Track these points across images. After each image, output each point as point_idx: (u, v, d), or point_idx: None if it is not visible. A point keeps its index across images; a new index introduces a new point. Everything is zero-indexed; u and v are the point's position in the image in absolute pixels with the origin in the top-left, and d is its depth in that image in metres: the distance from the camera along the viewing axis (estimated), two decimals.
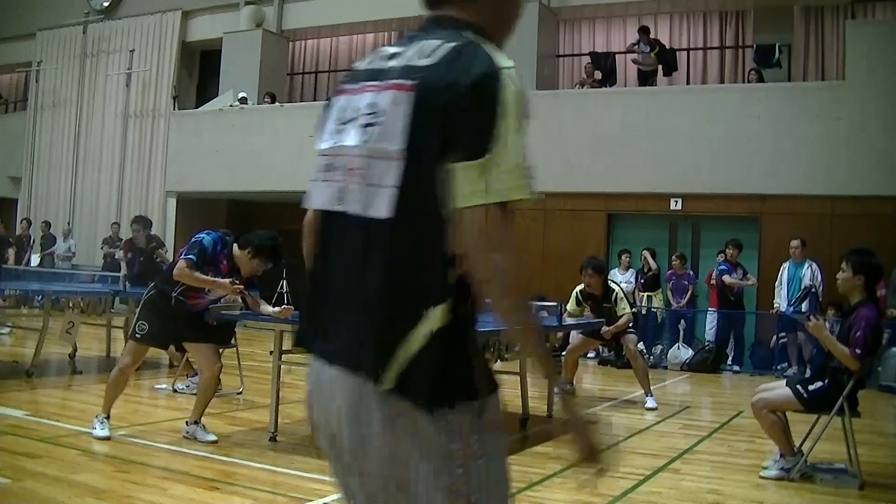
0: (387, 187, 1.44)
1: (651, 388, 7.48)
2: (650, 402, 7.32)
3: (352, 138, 1.52)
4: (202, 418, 5.15)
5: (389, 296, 1.44)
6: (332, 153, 1.57)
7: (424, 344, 1.40)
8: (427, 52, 1.48)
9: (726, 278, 10.86)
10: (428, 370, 1.40)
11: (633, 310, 8.08)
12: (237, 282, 4.99)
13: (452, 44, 1.47)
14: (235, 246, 5.11)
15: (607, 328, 7.44)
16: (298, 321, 1.72)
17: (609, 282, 7.85)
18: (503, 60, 1.47)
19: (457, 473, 1.44)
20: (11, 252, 15.14)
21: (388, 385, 1.40)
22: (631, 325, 7.63)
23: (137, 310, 5.19)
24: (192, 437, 5.08)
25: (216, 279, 4.98)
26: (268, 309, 5.30)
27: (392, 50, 1.57)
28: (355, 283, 1.48)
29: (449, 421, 1.42)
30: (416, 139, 1.42)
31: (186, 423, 5.16)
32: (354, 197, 1.50)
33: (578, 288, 7.72)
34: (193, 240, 5.10)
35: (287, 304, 5.46)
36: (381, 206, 1.44)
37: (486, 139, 1.38)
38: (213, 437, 5.05)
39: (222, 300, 6.92)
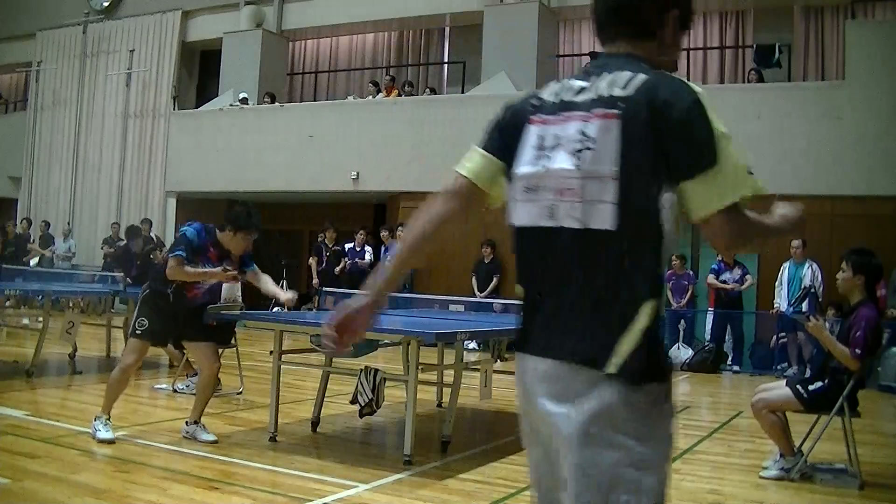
0: (607, 203, 1.65)
1: None
2: None
3: (561, 162, 1.72)
4: (202, 418, 5.14)
5: (615, 296, 1.66)
6: (537, 176, 1.76)
7: (641, 335, 1.63)
8: (622, 83, 1.69)
9: (710, 279, 11.01)
10: (643, 357, 1.63)
11: None
12: (229, 268, 4.98)
13: (643, 76, 1.68)
14: (217, 231, 5.07)
15: None
16: (520, 324, 1.87)
17: None
18: (695, 86, 1.68)
19: (665, 443, 1.68)
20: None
21: (612, 370, 1.63)
22: None
23: (136, 307, 5.18)
24: (191, 436, 5.07)
25: (207, 269, 4.96)
26: (270, 286, 5.22)
27: (578, 84, 1.78)
28: (576, 287, 1.70)
29: (655, 397, 1.66)
30: (628, 160, 1.64)
31: (186, 422, 5.15)
32: (569, 213, 1.70)
33: None
34: (177, 236, 5.13)
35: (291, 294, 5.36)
36: (604, 220, 1.65)
37: (708, 154, 1.60)
38: (212, 437, 5.04)
39: (222, 296, 6.94)
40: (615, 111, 1.66)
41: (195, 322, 5.13)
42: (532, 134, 1.80)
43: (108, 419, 4.94)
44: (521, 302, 1.88)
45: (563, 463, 1.70)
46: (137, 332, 5.01)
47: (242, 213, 5.08)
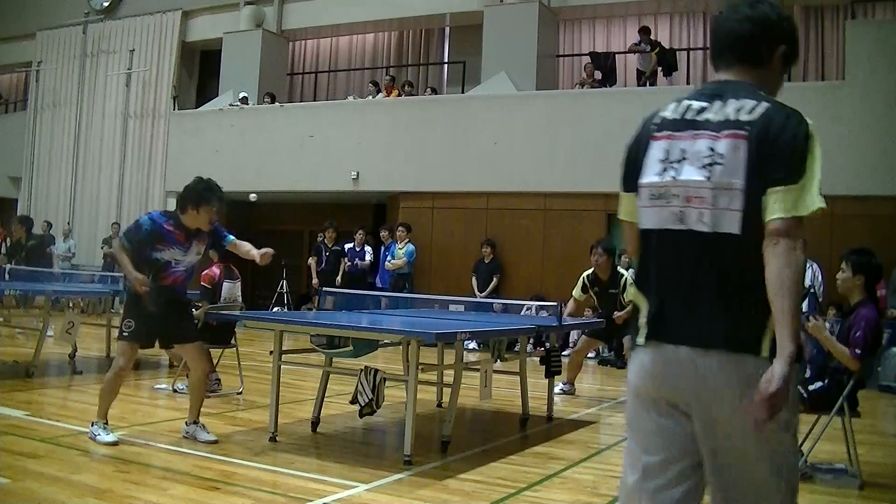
0: (735, 211, 1.94)
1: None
2: None
3: (691, 174, 2.00)
4: (200, 417, 5.14)
5: (746, 291, 1.92)
6: (664, 185, 2.04)
7: (772, 322, 1.89)
8: (748, 109, 2.00)
9: None
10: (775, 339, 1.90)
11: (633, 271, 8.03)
12: (144, 281, 4.84)
13: (766, 104, 2.00)
14: (179, 213, 5.00)
15: (619, 313, 7.48)
16: (653, 314, 2.07)
17: (618, 267, 7.92)
18: (805, 117, 1.99)
19: (795, 406, 1.97)
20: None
21: (765, 354, 1.90)
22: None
23: (122, 309, 5.10)
24: (191, 437, 5.06)
25: (130, 269, 4.88)
26: (248, 249, 5.16)
27: (698, 105, 2.08)
28: (708, 283, 1.96)
29: (795, 377, 1.90)
30: (750, 174, 1.94)
31: (186, 423, 5.14)
32: (698, 218, 1.98)
33: (587, 272, 7.79)
34: (133, 223, 5.12)
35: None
36: (733, 225, 1.94)
37: (800, 172, 1.93)
38: (213, 438, 5.04)
39: (222, 296, 6.93)
40: (743, 132, 1.96)
41: (182, 322, 5.09)
42: (657, 148, 2.09)
43: (106, 423, 4.89)
44: (644, 299, 2.10)
45: (721, 432, 1.95)
46: (125, 333, 4.92)
47: (199, 187, 5.00)
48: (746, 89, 2.05)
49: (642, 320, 2.08)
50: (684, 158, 2.02)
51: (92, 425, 4.88)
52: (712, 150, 1.98)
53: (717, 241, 1.95)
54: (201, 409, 5.18)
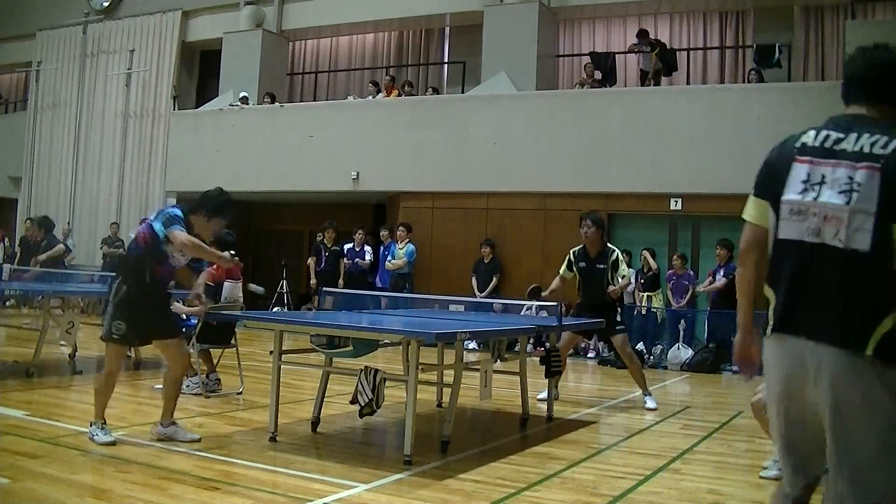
0: (867, 231, 2.30)
1: (649, 387, 7.43)
2: (650, 403, 7.24)
3: (830, 197, 2.37)
4: (173, 416, 5.02)
5: (872, 298, 2.30)
6: (805, 204, 2.41)
7: (890, 328, 2.27)
8: (882, 144, 2.35)
9: (702, 287, 11.23)
10: (892, 343, 2.27)
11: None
12: (235, 255, 5.01)
13: None
14: (189, 213, 4.98)
15: (613, 287, 7.24)
16: (780, 310, 2.45)
17: (609, 244, 7.63)
18: None
19: None
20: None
21: (869, 352, 2.27)
22: (620, 320, 7.45)
23: (110, 310, 4.86)
24: (169, 438, 4.91)
25: (216, 251, 5.03)
26: (201, 281, 5.23)
27: (834, 135, 2.45)
28: (836, 289, 2.34)
29: None
30: (883, 201, 2.30)
31: (161, 424, 4.99)
32: (834, 235, 2.35)
33: (574, 248, 7.51)
34: (167, 213, 4.91)
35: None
36: (864, 243, 2.31)
37: None
38: (195, 436, 4.96)
39: (223, 296, 6.93)
40: (878, 165, 2.32)
41: (163, 318, 5.02)
42: (800, 170, 2.45)
43: (104, 423, 4.85)
44: (773, 295, 2.49)
45: (845, 415, 2.30)
46: (115, 336, 4.82)
47: (222, 198, 5.01)
48: (878, 125, 2.42)
49: (771, 314, 2.49)
50: (824, 182, 2.39)
51: (90, 426, 4.87)
52: (851, 178, 2.35)
53: (848, 256, 2.32)
54: (175, 409, 5.08)
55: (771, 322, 2.48)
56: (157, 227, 4.86)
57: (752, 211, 2.60)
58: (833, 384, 2.30)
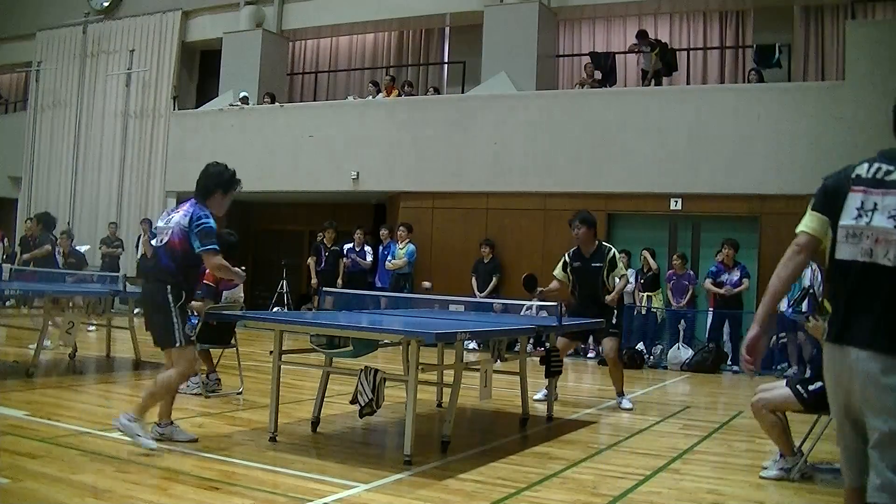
0: None
1: (625, 391, 7.45)
2: (625, 403, 7.29)
3: (881, 221, 2.69)
4: (166, 416, 4.99)
5: None
6: (859, 228, 2.72)
7: None
8: None
9: (707, 283, 11.15)
10: None
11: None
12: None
13: None
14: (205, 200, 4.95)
15: (610, 296, 7.21)
16: (837, 321, 2.79)
17: (605, 243, 7.57)
18: None
19: None
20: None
21: None
22: (615, 324, 7.43)
23: (174, 317, 4.73)
24: (167, 438, 4.89)
25: (238, 271, 4.97)
26: (241, 275, 5.16)
27: (886, 167, 2.77)
28: (885, 302, 2.66)
29: None
30: None
31: (159, 425, 4.95)
32: (884, 255, 2.67)
33: (569, 250, 7.48)
34: (203, 227, 4.75)
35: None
36: None
37: None
38: (192, 436, 4.95)
39: (223, 295, 6.93)
40: None
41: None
42: (855, 199, 2.76)
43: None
44: (834, 308, 2.84)
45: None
46: (193, 338, 4.95)
47: (227, 173, 5.01)
48: None
49: (828, 324, 2.83)
50: (876, 209, 2.71)
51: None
52: None
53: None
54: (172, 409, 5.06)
55: (830, 330, 2.82)
56: (196, 244, 4.73)
57: (812, 223, 2.90)
58: (872, 383, 2.63)
